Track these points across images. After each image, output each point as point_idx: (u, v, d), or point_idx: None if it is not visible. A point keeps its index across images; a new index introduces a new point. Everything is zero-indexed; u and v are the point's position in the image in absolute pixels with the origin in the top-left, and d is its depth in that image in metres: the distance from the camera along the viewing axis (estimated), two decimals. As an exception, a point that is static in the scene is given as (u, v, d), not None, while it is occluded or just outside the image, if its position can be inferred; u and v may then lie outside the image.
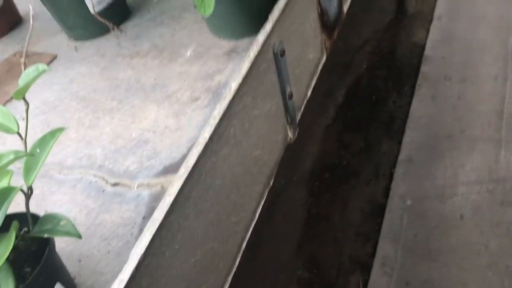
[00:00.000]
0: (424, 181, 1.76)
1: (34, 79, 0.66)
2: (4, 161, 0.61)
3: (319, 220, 1.82)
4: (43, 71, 0.66)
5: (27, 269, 0.65)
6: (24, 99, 0.67)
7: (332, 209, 1.84)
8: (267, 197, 2.06)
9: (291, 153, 2.10)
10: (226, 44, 1.03)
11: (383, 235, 1.67)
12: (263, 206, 2.02)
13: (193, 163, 0.65)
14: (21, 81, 0.68)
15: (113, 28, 1.14)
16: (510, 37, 2.11)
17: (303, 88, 0.98)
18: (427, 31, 2.28)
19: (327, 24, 1.06)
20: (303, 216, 1.86)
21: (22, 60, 0.69)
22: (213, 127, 0.69)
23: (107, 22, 1.11)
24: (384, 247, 1.64)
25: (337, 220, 1.80)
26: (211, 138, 0.69)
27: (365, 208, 1.80)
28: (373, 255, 1.60)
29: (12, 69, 1.18)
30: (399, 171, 1.82)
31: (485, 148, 1.77)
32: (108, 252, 0.74)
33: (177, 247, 0.63)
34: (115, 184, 0.84)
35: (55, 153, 0.93)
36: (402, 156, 1.86)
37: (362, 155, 1.95)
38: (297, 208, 1.88)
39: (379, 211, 1.76)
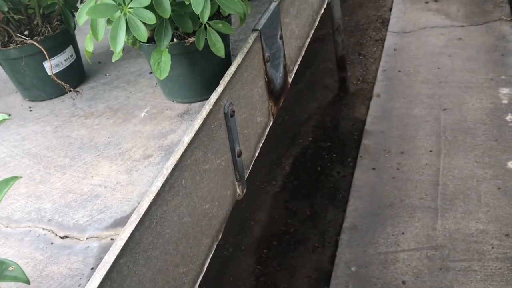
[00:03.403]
0: (368, 248, 1.82)
1: (-8, 127, 0.69)
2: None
3: (267, 288, 1.82)
4: (3, 120, 0.69)
5: (-32, 317, 0.64)
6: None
7: (279, 276, 1.85)
8: (215, 265, 2.04)
9: (240, 221, 2.13)
10: (180, 106, 1.09)
11: (329, 302, 1.69)
12: (211, 274, 2.00)
13: (144, 210, 0.68)
14: (-21, 130, 0.70)
15: (69, 90, 1.18)
16: (441, 113, 2.30)
17: (251, 148, 1.04)
18: (367, 108, 2.45)
19: (273, 92, 1.15)
20: (250, 285, 1.86)
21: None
22: (165, 177, 0.73)
23: (63, 84, 1.16)
24: (331, 314, 1.66)
25: (284, 288, 1.81)
26: (163, 187, 0.72)
27: (312, 275, 1.83)
28: (319, 321, 1.61)
29: (-38, 127, 1.18)
30: (344, 238, 1.88)
31: (423, 216, 1.87)
32: (54, 303, 0.73)
33: (126, 292, 0.64)
34: (64, 237, 0.84)
35: (3, 207, 0.92)
36: (346, 224, 1.93)
37: (309, 223, 2.01)
38: (245, 276, 1.89)
39: (326, 278, 1.79)
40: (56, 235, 0.85)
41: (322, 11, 1.57)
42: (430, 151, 2.13)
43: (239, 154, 0.95)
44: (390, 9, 3.21)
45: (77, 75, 1.25)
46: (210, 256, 0.88)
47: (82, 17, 0.92)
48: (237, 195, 0.97)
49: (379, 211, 1.94)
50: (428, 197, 1.94)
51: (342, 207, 2.01)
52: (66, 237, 0.84)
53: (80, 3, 1.18)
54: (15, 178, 0.70)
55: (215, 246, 0.90)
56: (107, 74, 1.28)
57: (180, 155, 0.76)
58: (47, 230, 0.86)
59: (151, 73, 1.23)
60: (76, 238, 0.83)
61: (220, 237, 0.92)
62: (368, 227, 1.90)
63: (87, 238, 0.83)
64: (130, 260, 0.65)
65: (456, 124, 2.22)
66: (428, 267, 1.71)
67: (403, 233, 1.84)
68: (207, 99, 0.89)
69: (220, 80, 0.94)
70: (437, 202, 1.91)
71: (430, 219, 1.86)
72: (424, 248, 1.77)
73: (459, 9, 3.02)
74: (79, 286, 0.75)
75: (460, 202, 1.88)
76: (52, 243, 0.83)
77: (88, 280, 0.73)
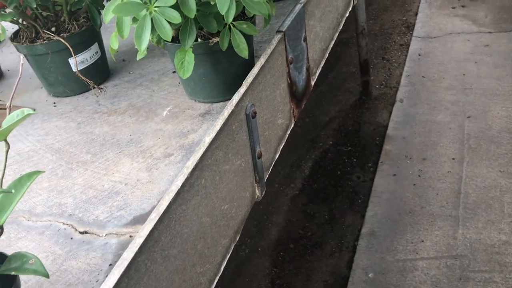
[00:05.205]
0: (386, 254, 1.80)
1: (18, 122, 0.69)
2: (-20, 196, 0.63)
3: (283, 291, 1.81)
4: (28, 115, 0.70)
5: (-12, 309, 0.65)
6: (5, 140, 0.70)
7: (295, 280, 1.84)
8: (231, 266, 2.04)
9: (257, 222, 2.12)
10: (202, 106, 1.09)
11: (345, 308, 1.67)
12: (226, 274, 2.00)
13: (164, 208, 0.68)
14: (5, 124, 0.71)
15: (93, 87, 1.19)
16: (465, 121, 2.27)
17: (271, 150, 1.04)
18: (390, 113, 2.42)
19: (295, 95, 1.15)
20: (266, 287, 1.85)
21: (8, 104, 0.72)
22: (185, 176, 0.73)
23: (87, 81, 1.17)
24: (346, 320, 1.64)
25: (300, 291, 1.80)
26: (183, 186, 0.72)
27: (329, 280, 1.82)
28: (335, 326, 1.60)
29: (-12, 120, 1.20)
30: (362, 244, 1.86)
31: (443, 225, 1.84)
32: (72, 298, 0.74)
33: (143, 290, 0.65)
34: (83, 232, 0.85)
35: (25, 201, 0.94)
36: (365, 230, 1.91)
37: (327, 227, 1.99)
38: (260, 278, 1.88)
39: (342, 283, 1.77)
40: (76, 230, 0.86)
41: (347, 14, 1.56)
42: (453, 158, 2.09)
43: (260, 156, 0.95)
44: (416, 14, 3.17)
45: (101, 72, 1.26)
46: (228, 257, 0.88)
47: (108, 15, 0.93)
48: (256, 197, 0.97)
49: (399, 218, 1.91)
50: (449, 205, 1.91)
51: (361, 212, 1.99)
52: (86, 232, 0.85)
53: (107, 1, 1.20)
54: (38, 172, 0.71)
55: (232, 247, 0.89)
56: (131, 72, 1.29)
57: (201, 155, 0.76)
58: (67, 224, 0.87)
59: (174, 72, 1.24)
60: (95, 234, 0.84)
61: (237, 238, 0.91)
62: (386, 233, 1.87)
63: (106, 235, 0.84)
64: (148, 258, 0.65)
65: (480, 132, 2.18)
66: (447, 276, 1.68)
67: (422, 241, 1.81)
68: (229, 99, 0.89)
69: (243, 81, 0.94)
70: (458, 211, 1.88)
71: (451, 227, 1.83)
72: (444, 257, 1.74)
73: (486, 15, 2.97)
74: (97, 281, 0.75)
75: (482, 212, 1.85)
76: (71, 238, 0.84)
77: (106, 276, 0.74)
